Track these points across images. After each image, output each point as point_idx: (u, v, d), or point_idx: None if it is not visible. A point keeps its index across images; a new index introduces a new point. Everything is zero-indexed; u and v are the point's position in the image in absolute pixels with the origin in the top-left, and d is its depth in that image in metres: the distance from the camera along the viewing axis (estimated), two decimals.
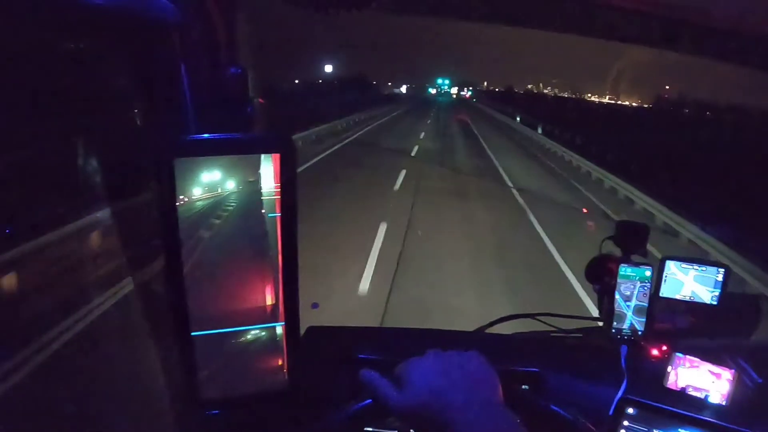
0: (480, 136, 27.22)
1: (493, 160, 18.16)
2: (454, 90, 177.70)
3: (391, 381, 0.58)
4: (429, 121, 32.25)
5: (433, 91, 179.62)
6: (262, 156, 0.59)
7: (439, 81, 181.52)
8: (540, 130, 26.27)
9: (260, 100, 0.71)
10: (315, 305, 4.07)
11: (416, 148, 19.11)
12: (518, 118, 35.43)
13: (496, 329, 1.46)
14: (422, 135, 23.99)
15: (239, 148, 0.59)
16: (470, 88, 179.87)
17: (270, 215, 0.61)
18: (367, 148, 18.53)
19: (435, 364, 0.57)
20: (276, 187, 0.60)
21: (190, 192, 0.57)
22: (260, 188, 0.60)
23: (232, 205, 0.60)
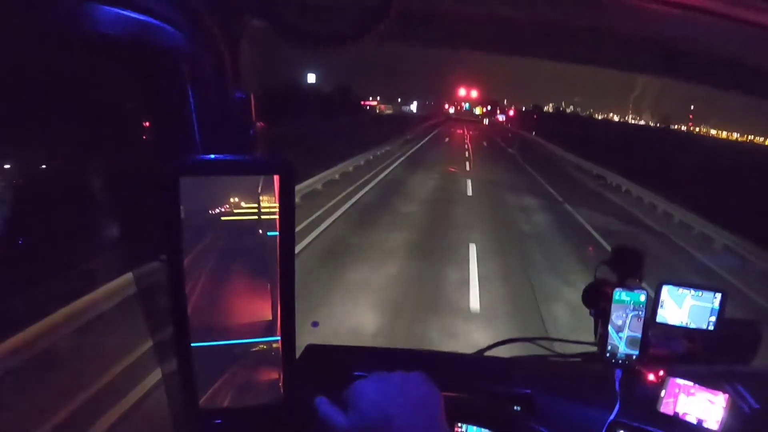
0: None
1: None
2: (478, 110, 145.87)
3: (340, 405, 0.58)
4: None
5: (452, 110, 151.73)
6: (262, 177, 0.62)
7: (462, 93, 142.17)
8: None
9: (260, 123, 0.74)
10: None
11: None
12: None
13: (494, 352, 1.46)
14: None
15: (242, 169, 0.62)
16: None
17: (269, 234, 0.64)
18: None
19: (377, 386, 0.57)
20: (276, 208, 0.63)
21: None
22: (260, 208, 0.62)
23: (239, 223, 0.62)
